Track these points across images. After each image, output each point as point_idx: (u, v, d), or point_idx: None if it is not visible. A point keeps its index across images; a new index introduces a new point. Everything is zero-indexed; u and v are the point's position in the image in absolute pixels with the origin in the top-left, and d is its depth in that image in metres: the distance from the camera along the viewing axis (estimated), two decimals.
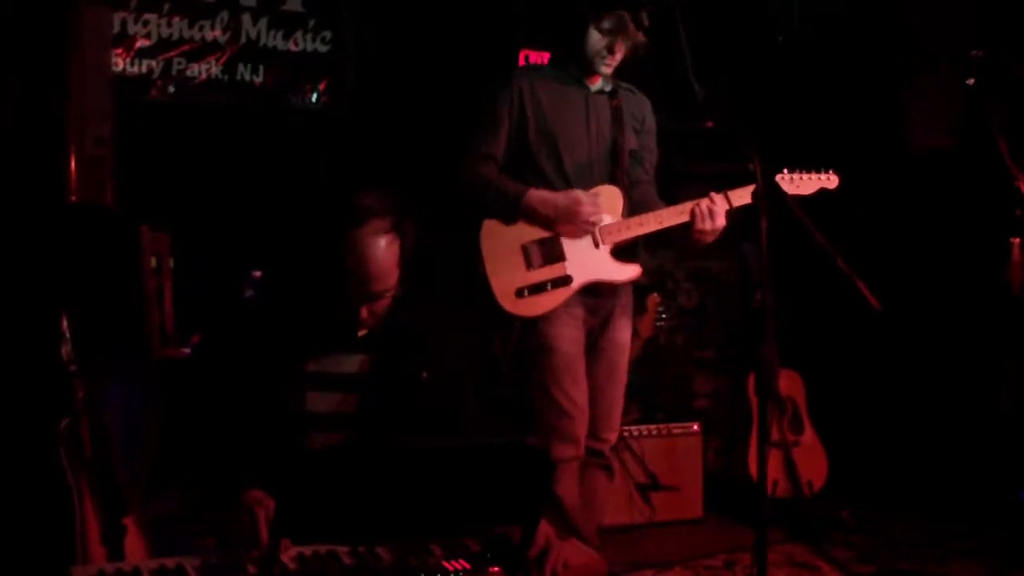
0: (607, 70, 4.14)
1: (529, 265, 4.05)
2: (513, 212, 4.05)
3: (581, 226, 4.05)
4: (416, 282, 2.94)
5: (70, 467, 3.27)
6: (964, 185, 5.98)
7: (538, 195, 4.06)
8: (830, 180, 4.36)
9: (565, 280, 4.06)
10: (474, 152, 4.11)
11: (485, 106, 4.17)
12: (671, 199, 4.33)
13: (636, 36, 4.10)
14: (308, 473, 2.37)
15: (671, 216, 4.12)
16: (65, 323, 3.34)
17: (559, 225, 4.06)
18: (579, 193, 4.07)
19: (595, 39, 4.08)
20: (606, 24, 4.05)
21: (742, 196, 4.03)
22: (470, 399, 3.04)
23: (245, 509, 2.69)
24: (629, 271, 4.17)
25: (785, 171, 4.30)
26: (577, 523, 4.11)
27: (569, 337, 4.11)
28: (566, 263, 4.07)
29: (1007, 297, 5.11)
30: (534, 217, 4.05)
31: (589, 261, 4.09)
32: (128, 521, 3.23)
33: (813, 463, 5.64)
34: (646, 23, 4.03)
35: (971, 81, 5.10)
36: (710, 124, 3.64)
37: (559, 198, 4.06)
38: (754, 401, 5.63)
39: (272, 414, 2.86)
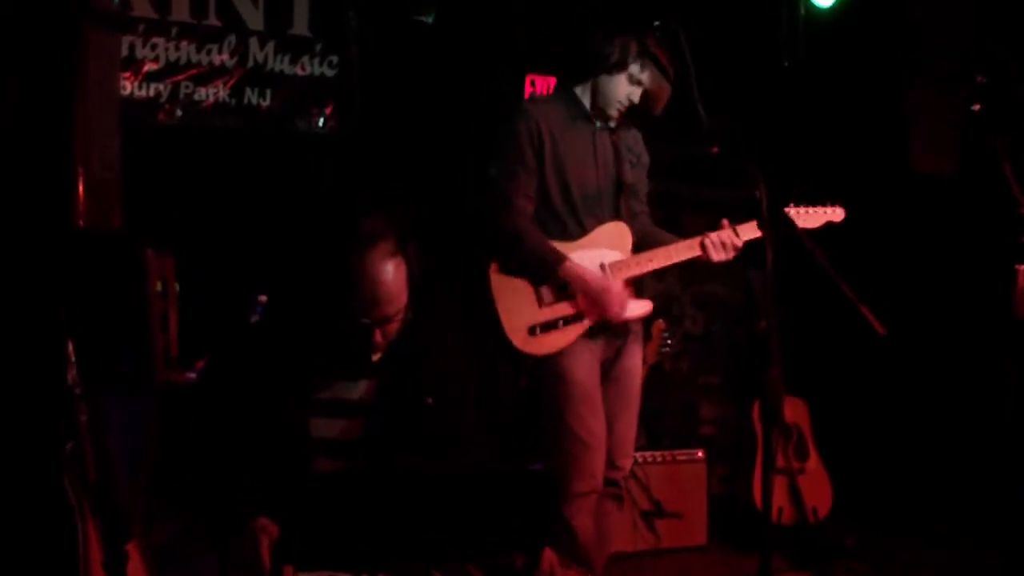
0: (615, 115, 4.14)
1: (540, 302, 4.02)
2: (545, 276, 4.02)
3: (599, 315, 4.03)
4: (421, 307, 2.95)
5: (73, 491, 3.26)
6: (968, 209, 5.98)
7: (574, 270, 4.01)
8: (835, 213, 4.35)
9: (577, 317, 4.04)
10: (512, 194, 4.04)
11: (507, 143, 4.10)
12: (676, 225, 4.34)
13: (664, 92, 4.09)
14: (312, 499, 2.37)
15: (680, 252, 4.12)
16: (71, 347, 3.34)
17: (581, 298, 4.03)
18: (612, 285, 4.03)
19: (622, 85, 4.07)
20: (643, 75, 4.03)
21: (749, 230, 4.03)
22: (475, 424, 3.04)
23: (248, 535, 2.69)
24: (639, 308, 4.17)
25: (792, 205, 4.29)
26: (590, 556, 4.09)
27: (586, 368, 4.08)
28: (578, 300, 4.05)
29: (1012, 323, 5.10)
30: (562, 286, 4.03)
31: None
32: (130, 546, 3.23)
33: (818, 490, 5.62)
34: (672, 75, 4.01)
35: (976, 107, 5.11)
36: (714, 150, 3.63)
37: (591, 282, 4.02)
38: (759, 428, 5.62)
39: (277, 440, 2.86)
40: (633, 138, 4.32)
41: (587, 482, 4.04)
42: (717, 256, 4.08)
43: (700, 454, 5.62)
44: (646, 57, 4.01)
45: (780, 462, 5.53)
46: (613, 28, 4.11)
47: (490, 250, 4.06)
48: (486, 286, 4.03)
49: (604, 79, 4.10)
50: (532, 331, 3.99)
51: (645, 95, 4.09)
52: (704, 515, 5.59)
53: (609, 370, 4.20)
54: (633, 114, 4.17)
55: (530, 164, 4.06)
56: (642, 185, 4.35)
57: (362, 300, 2.81)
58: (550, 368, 4.04)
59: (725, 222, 4.10)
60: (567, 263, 4.01)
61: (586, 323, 4.04)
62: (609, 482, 4.19)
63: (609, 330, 4.12)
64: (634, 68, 4.05)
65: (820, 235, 4.32)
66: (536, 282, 4.04)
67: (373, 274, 2.80)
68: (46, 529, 3.27)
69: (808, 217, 4.31)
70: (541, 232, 4.06)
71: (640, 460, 5.44)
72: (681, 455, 5.59)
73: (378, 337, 2.86)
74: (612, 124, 4.21)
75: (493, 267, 4.04)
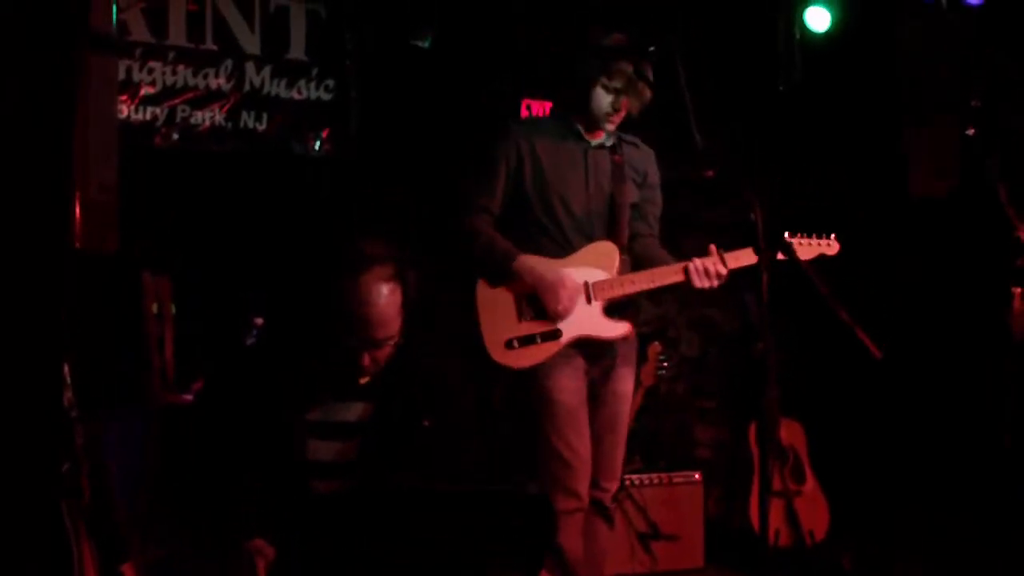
0: (611, 127, 4.17)
1: (521, 316, 4.06)
2: (501, 273, 4.06)
3: (552, 309, 4.05)
4: (418, 329, 2.95)
5: (69, 513, 3.25)
6: (964, 232, 6.00)
7: (526, 264, 4.06)
8: (830, 246, 4.36)
9: (554, 334, 4.06)
10: (470, 204, 4.13)
11: (483, 158, 4.19)
12: (673, 247, 4.34)
13: (643, 93, 4.11)
14: (308, 521, 2.37)
15: (664, 276, 4.11)
16: (67, 369, 3.33)
17: (540, 295, 4.06)
18: (565, 276, 4.06)
19: (601, 97, 4.10)
20: (614, 83, 4.07)
21: (739, 258, 4.03)
22: (472, 446, 3.04)
23: (245, 557, 2.68)
24: (618, 329, 4.17)
25: (787, 234, 4.30)
26: (580, 575, 4.09)
27: (570, 388, 4.10)
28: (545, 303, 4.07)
29: (1008, 345, 5.11)
30: (521, 281, 4.07)
31: (580, 316, 4.09)
32: (126, 568, 3.22)
33: (815, 512, 5.62)
34: (651, 77, 4.05)
35: (971, 131, 5.13)
36: (710, 173, 3.64)
37: (546, 275, 4.05)
38: (755, 450, 5.62)
39: (274, 462, 2.85)
40: (640, 156, 4.34)
41: (570, 501, 4.05)
42: (699, 283, 4.06)
43: (697, 476, 5.62)
44: (610, 65, 4.05)
45: (777, 484, 5.52)
46: (580, 49, 4.17)
47: (451, 253, 4.13)
48: (472, 298, 4.07)
49: (584, 95, 4.13)
50: (510, 344, 4.03)
51: (632, 101, 4.12)
52: (701, 537, 5.58)
53: (598, 392, 4.20)
54: (630, 119, 4.20)
55: (497, 182, 4.14)
56: (650, 205, 4.35)
57: (353, 321, 2.80)
58: (533, 388, 4.07)
59: (712, 248, 4.10)
60: (520, 257, 4.06)
61: (563, 340, 4.06)
62: (596, 502, 4.20)
63: (589, 347, 4.13)
64: (603, 79, 4.08)
65: (817, 259, 4.33)
66: (494, 278, 4.08)
67: (365, 296, 2.79)
68: (41, 551, 3.26)
69: (803, 248, 4.31)
70: (504, 238, 4.11)
71: (636, 482, 5.44)
72: (678, 477, 5.58)
73: (365, 360, 2.84)
74: (610, 143, 4.23)
75: (481, 281, 4.10)
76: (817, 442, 5.78)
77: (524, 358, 4.06)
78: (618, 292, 4.13)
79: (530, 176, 4.14)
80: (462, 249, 4.11)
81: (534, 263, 4.07)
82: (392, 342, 2.85)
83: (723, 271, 4.05)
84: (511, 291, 4.08)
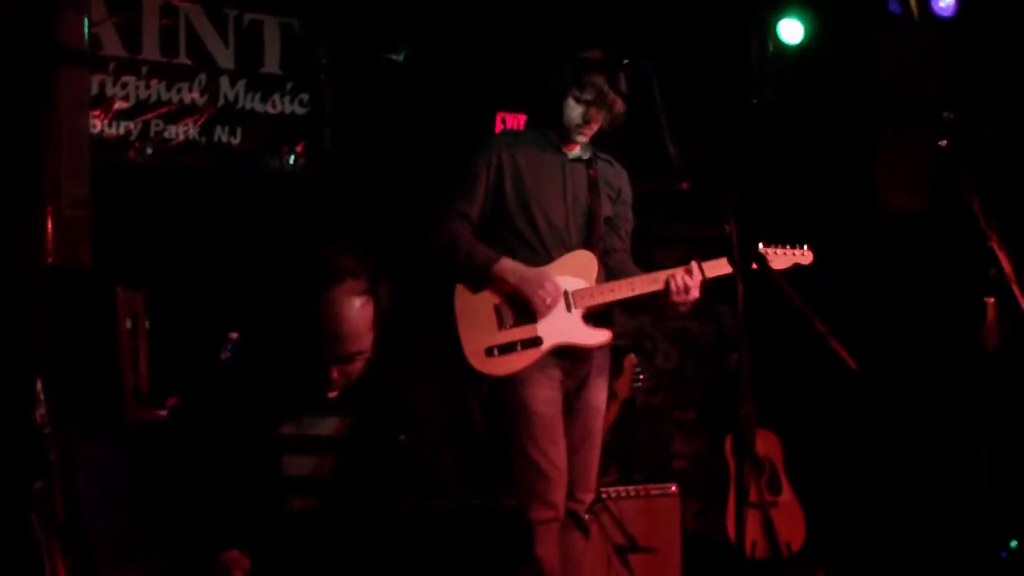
0: (583, 139, 4.20)
1: (501, 324, 4.07)
2: (483, 278, 4.06)
3: (537, 305, 4.06)
4: (391, 343, 2.94)
5: (42, 531, 3.23)
6: (937, 244, 6.03)
7: (508, 265, 4.07)
8: (804, 256, 4.38)
9: (535, 341, 4.07)
10: (449, 210, 4.13)
11: (463, 168, 4.20)
12: (646, 261, 4.36)
13: (614, 105, 4.13)
14: (284, 536, 2.36)
15: (644, 284, 4.14)
16: (39, 385, 3.32)
17: (523, 297, 4.07)
18: (548, 273, 4.09)
19: (572, 109, 4.12)
20: (585, 95, 4.09)
21: (716, 268, 4.05)
22: (447, 461, 3.03)
23: (221, 570, 2.67)
24: (599, 336, 4.18)
25: (761, 245, 4.32)
26: None
27: (546, 398, 4.11)
28: (537, 324, 4.08)
29: (983, 356, 5.13)
30: (503, 284, 4.07)
31: (560, 324, 4.10)
32: None
33: (791, 523, 5.62)
34: (624, 88, 4.07)
35: (944, 143, 5.16)
36: (685, 186, 3.66)
37: (528, 273, 4.07)
38: (732, 462, 5.62)
39: (248, 477, 2.84)
40: (614, 174, 4.37)
41: (546, 511, 4.06)
42: (677, 296, 4.09)
43: (673, 488, 5.60)
44: (582, 77, 4.07)
45: (753, 496, 5.53)
46: (553, 62, 4.19)
47: (431, 262, 4.14)
48: (450, 307, 4.07)
49: (557, 108, 4.14)
50: (490, 352, 4.04)
51: (602, 114, 4.13)
52: (678, 549, 5.56)
53: (572, 403, 4.22)
54: (603, 132, 4.22)
55: (478, 191, 4.16)
56: (624, 221, 4.39)
57: (324, 335, 2.78)
58: (510, 398, 4.08)
59: (694, 263, 4.12)
60: (502, 260, 4.07)
61: (543, 348, 4.07)
62: (571, 513, 4.21)
63: (569, 356, 4.14)
64: (575, 91, 4.10)
65: (791, 268, 4.35)
66: (476, 283, 4.09)
67: (336, 309, 2.77)
68: (13, 568, 3.23)
69: (777, 258, 4.34)
70: (484, 244, 4.12)
71: (613, 495, 5.42)
72: (654, 489, 5.56)
73: (335, 374, 2.82)
74: (586, 156, 4.25)
75: (459, 288, 4.11)
76: (793, 453, 5.80)
77: (505, 366, 4.06)
78: (598, 300, 4.14)
79: (510, 186, 4.15)
80: (442, 255, 4.11)
81: (515, 264, 4.08)
82: (364, 357, 2.83)
83: (699, 278, 4.07)
84: (490, 298, 4.09)
